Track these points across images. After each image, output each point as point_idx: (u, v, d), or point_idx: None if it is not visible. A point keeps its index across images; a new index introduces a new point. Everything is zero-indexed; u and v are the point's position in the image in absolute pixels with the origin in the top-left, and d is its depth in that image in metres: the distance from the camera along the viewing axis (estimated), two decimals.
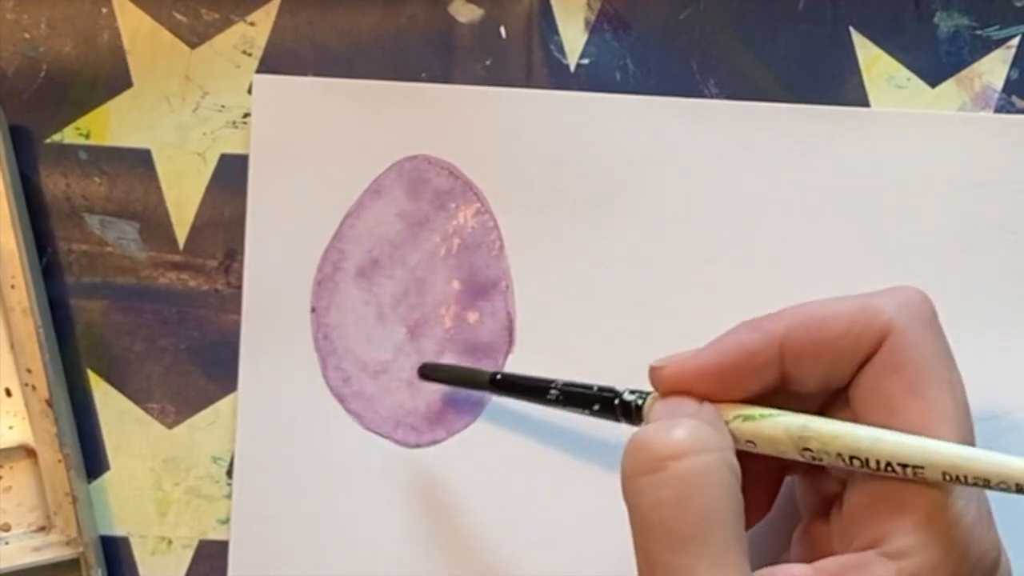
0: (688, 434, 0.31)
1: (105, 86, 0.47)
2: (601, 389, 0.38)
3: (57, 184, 0.47)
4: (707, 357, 0.34)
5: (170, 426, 0.47)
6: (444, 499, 0.46)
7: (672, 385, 0.34)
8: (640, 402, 0.36)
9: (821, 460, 0.32)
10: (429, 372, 0.45)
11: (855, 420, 0.32)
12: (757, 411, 0.32)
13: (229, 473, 0.46)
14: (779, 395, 0.34)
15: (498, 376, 0.43)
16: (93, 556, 0.44)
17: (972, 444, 0.31)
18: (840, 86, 0.47)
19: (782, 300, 0.46)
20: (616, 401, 0.37)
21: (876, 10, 0.47)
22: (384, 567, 0.45)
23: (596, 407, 0.38)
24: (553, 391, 0.39)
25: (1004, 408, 0.46)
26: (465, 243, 0.47)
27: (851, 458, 0.31)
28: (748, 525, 0.32)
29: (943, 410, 0.31)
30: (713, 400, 0.33)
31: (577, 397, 0.39)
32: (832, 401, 0.34)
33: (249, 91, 0.47)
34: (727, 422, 0.33)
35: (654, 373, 0.35)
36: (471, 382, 0.44)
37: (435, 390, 0.46)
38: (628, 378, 0.46)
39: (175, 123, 0.47)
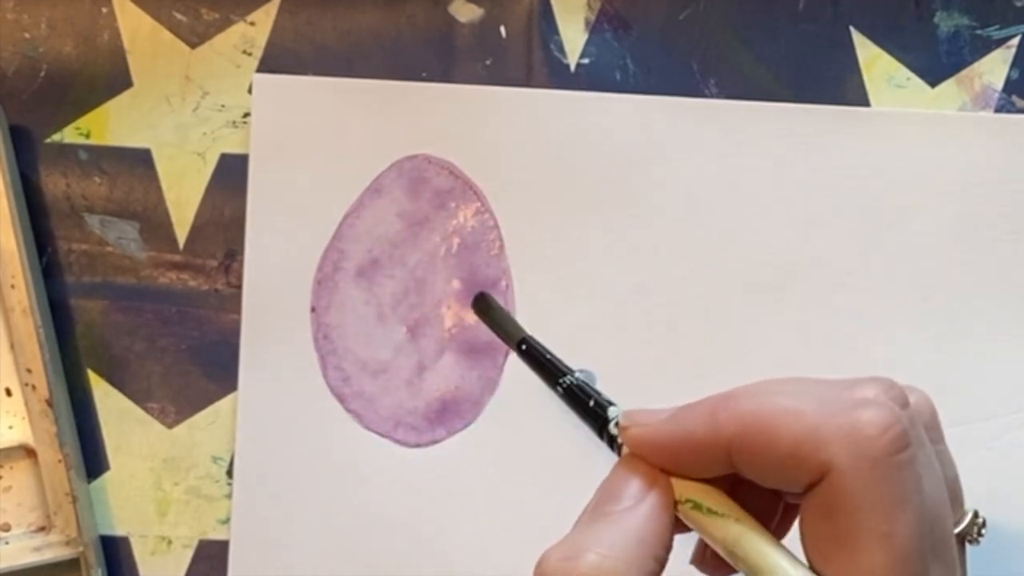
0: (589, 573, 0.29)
1: (105, 86, 0.47)
2: (599, 405, 0.37)
3: (57, 184, 0.47)
4: (664, 434, 0.32)
5: (170, 426, 0.46)
6: (444, 499, 0.46)
7: (634, 448, 0.33)
8: (621, 441, 0.36)
9: None
10: (481, 303, 0.45)
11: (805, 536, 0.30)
12: (707, 503, 0.31)
13: (229, 473, 0.46)
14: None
15: (524, 345, 0.42)
16: (93, 556, 0.44)
17: None
18: (840, 86, 0.47)
19: (782, 299, 0.46)
20: (604, 425, 0.36)
21: (876, 10, 0.47)
22: (384, 566, 0.45)
23: (588, 421, 0.37)
24: (561, 385, 0.39)
25: (1005, 407, 0.46)
26: (465, 242, 0.47)
27: None
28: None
29: (870, 568, 0.28)
30: (673, 473, 0.32)
31: (577, 401, 0.38)
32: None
33: (249, 91, 0.47)
34: (679, 502, 0.32)
35: (621, 430, 0.34)
36: (505, 335, 0.43)
37: (435, 390, 0.46)
38: (628, 376, 0.46)
39: (175, 123, 0.47)
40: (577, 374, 0.39)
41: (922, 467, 0.29)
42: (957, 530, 0.32)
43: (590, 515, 0.32)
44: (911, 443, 0.28)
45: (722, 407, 0.31)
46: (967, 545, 0.33)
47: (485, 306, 0.45)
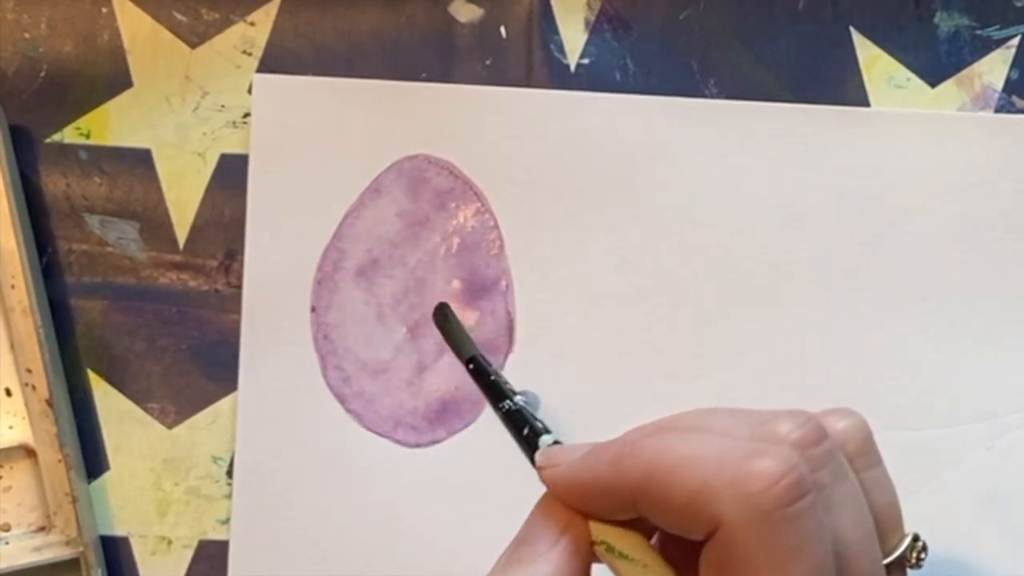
0: None
1: (105, 86, 0.47)
2: (533, 432, 0.36)
3: (57, 184, 0.47)
4: (576, 475, 0.31)
5: (170, 426, 0.46)
6: (444, 499, 0.46)
7: (549, 488, 0.33)
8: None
9: None
10: (439, 315, 0.45)
11: None
12: (619, 546, 0.31)
13: (229, 473, 0.46)
14: None
15: (471, 364, 0.42)
16: (93, 556, 0.44)
17: None
18: (840, 86, 0.47)
19: (782, 299, 0.46)
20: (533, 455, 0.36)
21: (876, 10, 0.47)
22: (384, 567, 0.45)
23: (523, 448, 0.37)
24: (500, 409, 0.38)
25: (1004, 407, 0.46)
26: (465, 243, 0.47)
27: None
28: None
29: None
30: (588, 516, 0.32)
31: (513, 427, 0.37)
32: None
33: (249, 91, 0.47)
34: (595, 543, 0.32)
35: (537, 469, 0.34)
36: (457, 350, 0.44)
37: (435, 390, 0.46)
38: (628, 377, 0.46)
39: (175, 123, 0.47)
40: (518, 399, 0.39)
41: (831, 507, 0.28)
42: (892, 557, 0.31)
43: (506, 560, 0.32)
44: (808, 490, 0.27)
45: (627, 452, 0.30)
46: (908, 570, 0.32)
47: (443, 319, 0.45)
